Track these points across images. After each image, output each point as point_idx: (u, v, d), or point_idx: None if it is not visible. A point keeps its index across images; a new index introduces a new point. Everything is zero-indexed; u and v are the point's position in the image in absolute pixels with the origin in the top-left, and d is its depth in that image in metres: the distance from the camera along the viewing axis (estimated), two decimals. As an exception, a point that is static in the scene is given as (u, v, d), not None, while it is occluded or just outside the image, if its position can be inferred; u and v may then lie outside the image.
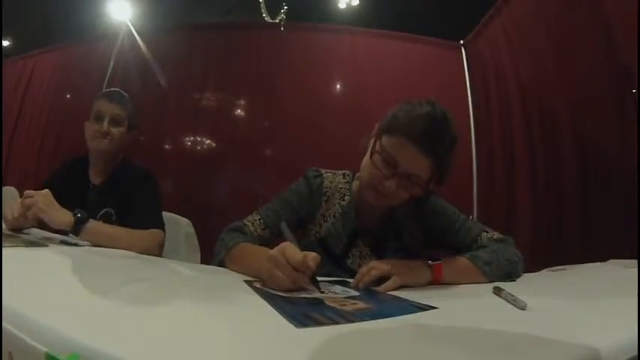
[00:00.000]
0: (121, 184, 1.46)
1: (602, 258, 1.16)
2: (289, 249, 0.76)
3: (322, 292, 0.73)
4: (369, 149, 1.01)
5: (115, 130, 1.45)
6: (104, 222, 1.41)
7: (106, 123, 1.43)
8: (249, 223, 1.09)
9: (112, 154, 1.49)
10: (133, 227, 1.33)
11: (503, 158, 2.45)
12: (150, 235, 1.31)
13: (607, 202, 1.67)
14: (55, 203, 1.14)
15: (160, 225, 1.39)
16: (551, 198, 2.01)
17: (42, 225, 1.14)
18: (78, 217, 1.12)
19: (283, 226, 0.90)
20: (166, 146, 3.18)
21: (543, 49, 2.09)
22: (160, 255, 1.32)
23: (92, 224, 1.15)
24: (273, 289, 0.74)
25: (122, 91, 1.56)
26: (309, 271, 0.75)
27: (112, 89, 1.60)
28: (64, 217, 1.12)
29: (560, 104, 1.97)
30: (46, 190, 1.14)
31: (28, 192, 1.13)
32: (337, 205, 1.13)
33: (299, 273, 0.73)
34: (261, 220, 1.09)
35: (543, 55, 2.09)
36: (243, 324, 0.54)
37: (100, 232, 1.17)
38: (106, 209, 1.44)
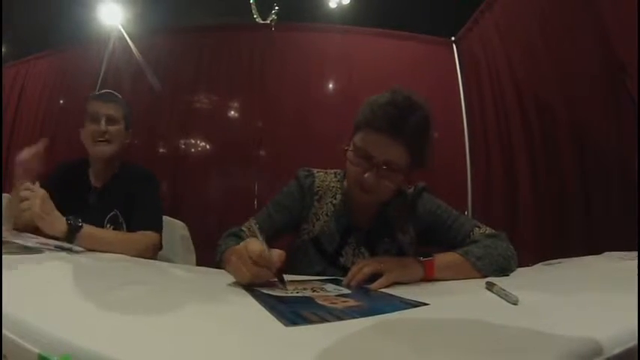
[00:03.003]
0: (124, 185, 1.45)
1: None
2: (252, 244, 0.76)
3: (286, 289, 0.75)
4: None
5: (113, 129, 1.43)
6: (112, 225, 1.41)
7: (103, 123, 1.41)
8: (246, 229, 1.11)
9: (113, 156, 1.45)
10: (133, 227, 1.32)
11: (502, 155, 2.43)
12: (145, 238, 1.30)
13: (607, 196, 1.66)
14: (53, 209, 1.10)
15: (159, 227, 1.39)
16: (552, 195, 1.99)
17: (35, 228, 1.11)
18: (71, 224, 1.10)
19: (252, 222, 0.92)
20: (160, 149, 3.17)
21: (536, 44, 2.08)
22: (155, 257, 1.33)
23: (86, 230, 1.12)
24: (255, 286, 0.75)
25: (114, 92, 1.53)
26: (273, 267, 0.76)
27: (104, 91, 1.57)
28: (58, 225, 1.09)
29: (556, 99, 1.96)
30: (44, 193, 1.09)
31: (26, 186, 1.09)
32: (329, 203, 1.15)
33: (260, 267, 0.74)
34: (257, 225, 1.11)
35: (537, 49, 2.08)
36: (233, 323, 0.54)
37: (94, 238, 1.14)
38: (112, 212, 1.42)
